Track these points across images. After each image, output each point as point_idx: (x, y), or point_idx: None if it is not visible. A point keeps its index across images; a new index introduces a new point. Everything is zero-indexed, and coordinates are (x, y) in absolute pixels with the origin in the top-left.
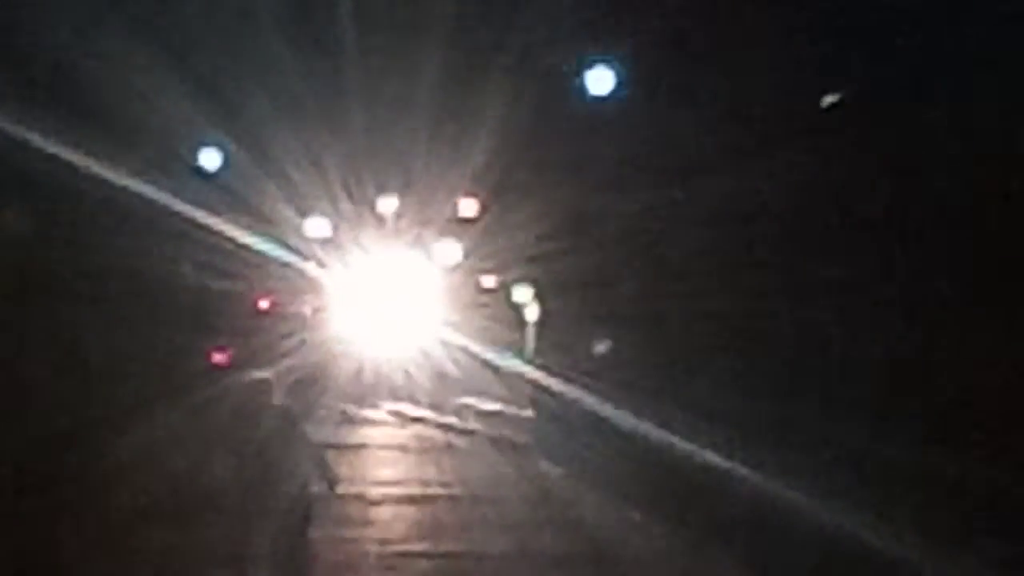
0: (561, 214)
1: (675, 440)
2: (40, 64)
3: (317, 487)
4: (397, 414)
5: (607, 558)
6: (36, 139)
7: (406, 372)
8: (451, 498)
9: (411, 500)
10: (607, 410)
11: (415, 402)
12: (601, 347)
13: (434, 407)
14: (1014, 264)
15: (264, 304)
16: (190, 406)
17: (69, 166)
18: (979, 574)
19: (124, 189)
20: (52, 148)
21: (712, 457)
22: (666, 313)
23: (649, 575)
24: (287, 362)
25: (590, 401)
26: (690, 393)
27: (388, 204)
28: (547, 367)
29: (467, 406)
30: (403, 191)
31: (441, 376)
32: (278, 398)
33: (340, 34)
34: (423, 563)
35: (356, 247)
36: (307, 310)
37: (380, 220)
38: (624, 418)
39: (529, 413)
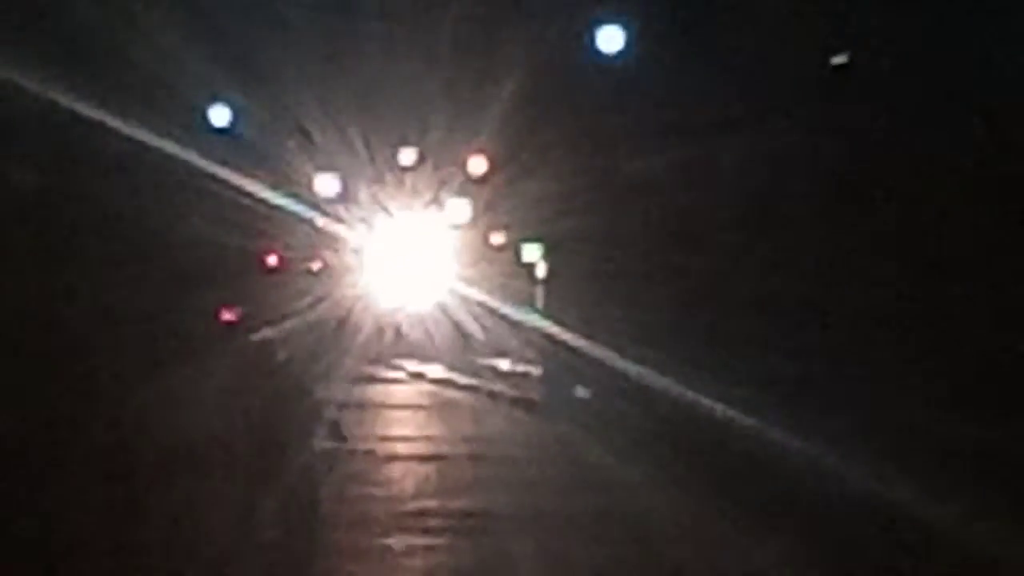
0: (571, 172)
1: (689, 396)
2: (49, 17)
3: (326, 445)
4: (415, 375)
5: (615, 516)
6: (43, 92)
7: (421, 328)
8: (461, 456)
9: (421, 458)
10: (620, 366)
11: (432, 360)
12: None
13: (453, 367)
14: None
15: (272, 261)
16: (197, 365)
17: (76, 120)
18: None
19: (133, 144)
20: (59, 101)
21: (722, 411)
22: (675, 270)
23: (660, 532)
24: (295, 321)
25: (602, 357)
26: (702, 349)
27: (407, 156)
28: (562, 322)
29: (487, 366)
30: (420, 147)
31: (457, 332)
32: (286, 357)
33: None
34: (432, 521)
35: (370, 202)
36: (315, 267)
37: (398, 175)
38: (639, 374)
39: (538, 371)
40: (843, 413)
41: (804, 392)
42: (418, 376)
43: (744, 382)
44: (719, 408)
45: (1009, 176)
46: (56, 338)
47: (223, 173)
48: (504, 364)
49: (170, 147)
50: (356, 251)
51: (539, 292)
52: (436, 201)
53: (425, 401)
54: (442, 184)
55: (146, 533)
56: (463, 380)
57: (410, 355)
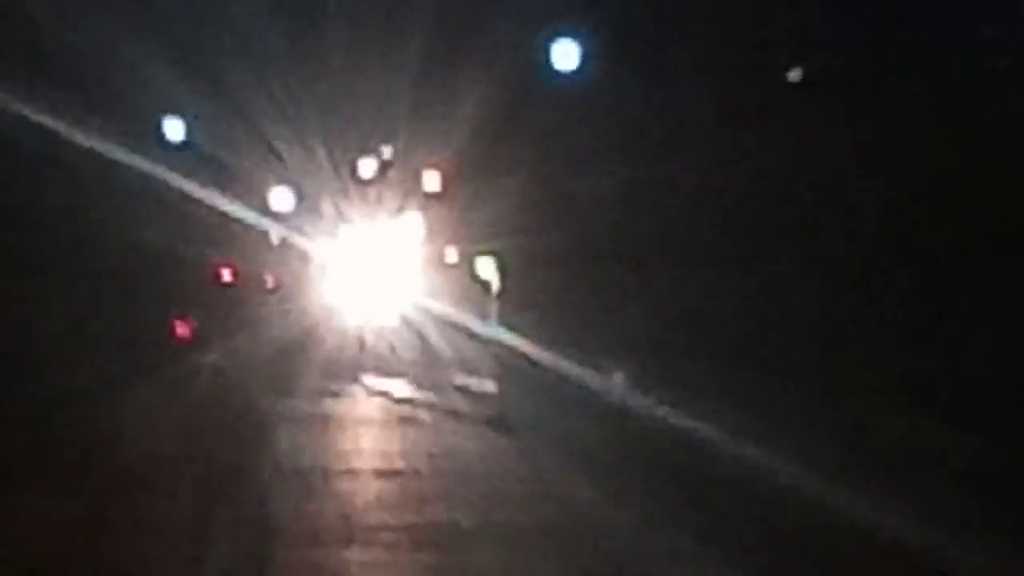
0: (525, 188)
1: (651, 410)
2: (4, 26)
3: (280, 461)
4: (377, 392)
5: (570, 530)
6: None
7: (383, 342)
8: (414, 472)
9: (374, 473)
10: (580, 380)
11: (393, 375)
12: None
13: (418, 384)
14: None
15: (227, 275)
16: (152, 381)
17: (29, 130)
18: None
19: (88, 156)
20: (12, 114)
21: (684, 423)
22: (630, 285)
23: (622, 546)
24: (250, 336)
25: (561, 370)
26: (661, 362)
27: (367, 168)
28: (520, 335)
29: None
30: (379, 159)
31: (417, 346)
32: (237, 373)
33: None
34: (384, 535)
35: (329, 215)
36: (271, 282)
37: (358, 187)
38: (601, 388)
39: (494, 386)
40: (824, 430)
41: (761, 404)
42: (382, 394)
43: (698, 393)
44: (676, 420)
45: (978, 182)
46: (10, 350)
47: (178, 186)
48: (464, 379)
49: (125, 159)
50: (314, 265)
51: (494, 306)
52: (395, 214)
53: (382, 416)
54: (401, 197)
55: (98, 551)
56: (424, 396)
57: (374, 369)
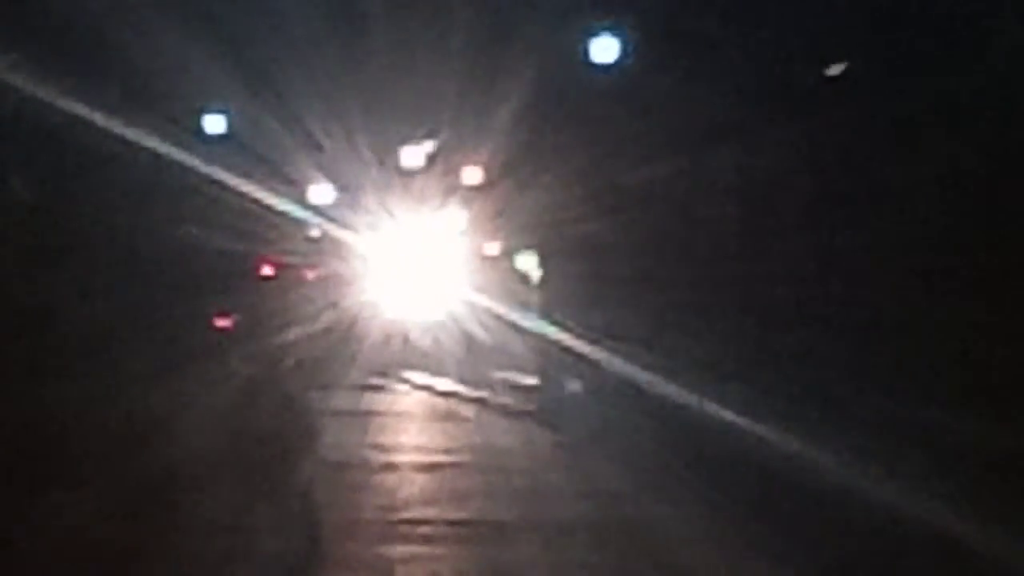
0: (565, 182)
1: (689, 402)
2: (49, 21)
3: (318, 456)
4: (418, 386)
5: (611, 525)
6: (40, 96)
7: (418, 339)
8: (456, 465)
9: (417, 467)
10: (622, 372)
11: (434, 368)
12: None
13: (457, 375)
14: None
15: (267, 269)
16: (192, 375)
17: (73, 124)
18: None
19: (129, 150)
20: (57, 106)
21: (721, 415)
22: (671, 279)
23: (663, 540)
24: (293, 330)
25: (605, 363)
26: (699, 355)
27: (411, 158)
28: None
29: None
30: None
31: (458, 339)
32: (282, 368)
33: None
34: (425, 529)
35: (371, 209)
36: (312, 275)
37: (401, 179)
38: (646, 380)
39: (532, 380)
40: (854, 419)
41: (811, 398)
42: (423, 388)
43: (745, 387)
44: (720, 413)
45: (1007, 185)
46: (54, 345)
47: (219, 180)
48: (505, 372)
49: (166, 153)
50: (355, 258)
51: (534, 299)
52: (437, 208)
53: (422, 410)
54: (443, 191)
55: (143, 543)
56: (465, 390)
57: (415, 363)
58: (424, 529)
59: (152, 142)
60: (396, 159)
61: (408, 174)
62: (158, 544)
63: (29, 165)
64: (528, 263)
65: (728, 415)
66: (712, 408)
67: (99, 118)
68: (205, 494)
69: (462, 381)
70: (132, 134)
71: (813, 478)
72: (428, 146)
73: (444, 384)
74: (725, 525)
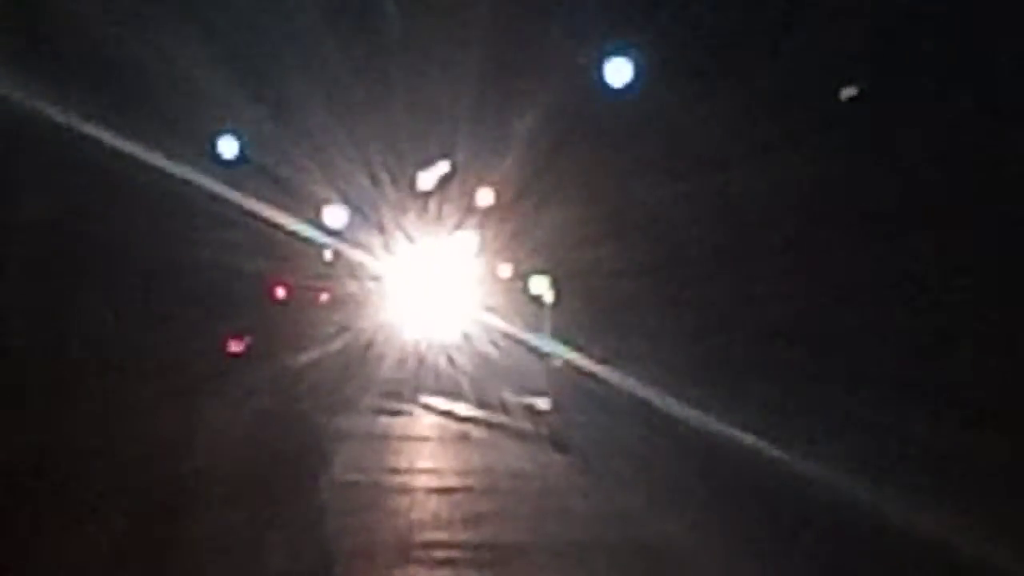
0: (578, 205)
1: (704, 421)
2: (63, 40)
3: (336, 476)
4: (431, 408)
5: (620, 547)
6: (54, 115)
7: (428, 359)
8: (468, 489)
9: (429, 490)
10: (633, 393)
11: (447, 390)
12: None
13: (470, 398)
14: None
15: (281, 292)
16: (205, 397)
17: (87, 146)
18: None
19: (143, 171)
20: (70, 130)
21: (739, 436)
22: (686, 301)
23: (677, 563)
24: (300, 353)
25: (612, 383)
26: (715, 376)
27: (426, 181)
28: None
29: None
30: (437, 172)
31: (470, 361)
32: (290, 390)
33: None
34: (439, 552)
35: (385, 230)
36: (324, 298)
37: (415, 201)
38: (662, 404)
39: (545, 403)
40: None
41: (826, 419)
42: (436, 411)
43: (758, 407)
44: (736, 434)
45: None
46: (65, 365)
47: (233, 203)
48: (517, 394)
49: (180, 175)
50: (368, 280)
51: (547, 321)
52: (450, 230)
53: (436, 433)
54: (457, 212)
55: (149, 569)
56: (478, 412)
57: (428, 386)
58: (438, 553)
59: (165, 163)
60: (411, 181)
61: (423, 195)
62: (166, 567)
63: (41, 183)
64: (541, 285)
65: (745, 437)
66: (728, 429)
67: (113, 137)
68: (217, 516)
69: (473, 402)
70: (145, 155)
71: (826, 494)
72: (443, 167)
73: (454, 406)
74: (733, 543)
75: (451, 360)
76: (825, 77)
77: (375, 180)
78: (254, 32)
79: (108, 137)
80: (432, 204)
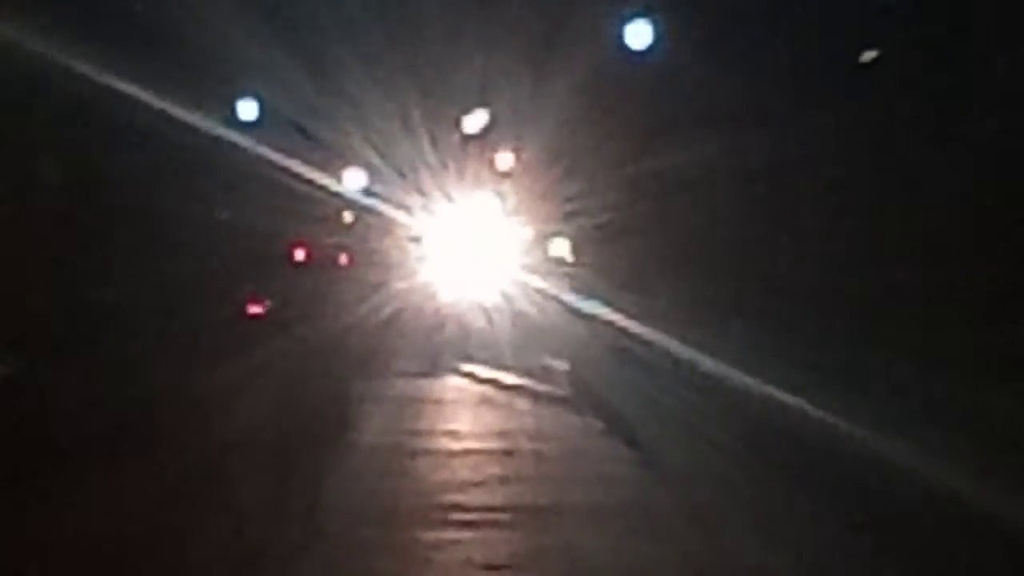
0: (598, 168)
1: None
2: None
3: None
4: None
5: (636, 511)
6: (72, 80)
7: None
8: (490, 451)
9: (450, 453)
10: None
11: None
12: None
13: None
14: None
15: (300, 254)
16: (227, 360)
17: (104, 106)
18: None
19: (163, 132)
20: (86, 87)
21: (761, 392)
22: (710, 263)
23: (689, 527)
24: (318, 317)
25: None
26: (739, 336)
27: (473, 123)
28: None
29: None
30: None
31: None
32: (306, 354)
33: None
34: (458, 515)
35: (404, 193)
36: (344, 260)
37: (442, 160)
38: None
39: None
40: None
41: (847, 377)
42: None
43: (782, 365)
44: (758, 390)
45: None
46: (85, 327)
47: (252, 164)
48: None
49: (201, 136)
50: (387, 243)
51: (567, 282)
52: (471, 193)
53: (453, 395)
54: (477, 176)
55: (174, 532)
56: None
57: (445, 342)
58: (458, 515)
59: (185, 122)
60: (436, 139)
61: (460, 147)
62: (193, 529)
63: (58, 144)
64: (562, 247)
65: (768, 391)
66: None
67: (130, 97)
68: (239, 483)
69: (498, 366)
70: (164, 114)
71: (848, 447)
72: (474, 120)
73: (477, 370)
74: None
75: (468, 322)
76: (846, 41)
77: (395, 142)
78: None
79: (123, 94)
80: (454, 167)
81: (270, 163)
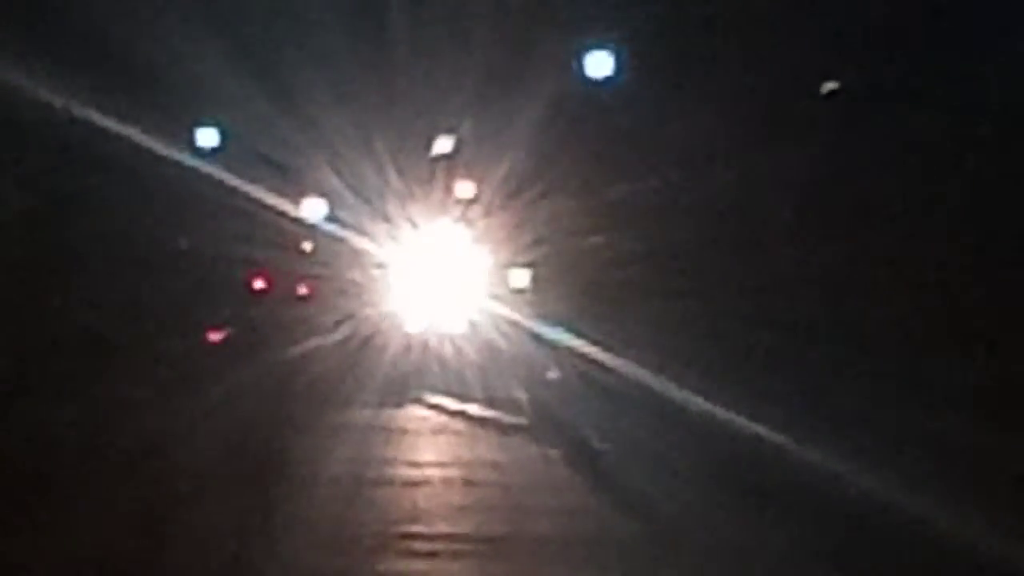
0: (557, 197)
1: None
2: (54, 22)
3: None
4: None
5: (600, 540)
6: (34, 108)
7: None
8: (449, 480)
9: (408, 483)
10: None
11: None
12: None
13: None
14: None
15: (259, 283)
16: (182, 389)
17: (69, 132)
18: None
19: (125, 159)
20: (52, 112)
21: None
22: (665, 292)
23: (653, 555)
24: (276, 345)
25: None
26: (695, 361)
27: (440, 148)
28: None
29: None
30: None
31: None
32: (265, 383)
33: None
34: (418, 544)
35: (365, 222)
36: (303, 289)
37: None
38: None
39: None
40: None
41: (817, 407)
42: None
43: (743, 391)
44: (721, 417)
45: (1005, 196)
46: (45, 353)
47: (212, 193)
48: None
49: (161, 164)
50: (347, 271)
51: (528, 312)
52: (430, 222)
53: (413, 426)
54: (440, 205)
55: (135, 558)
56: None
57: (395, 374)
58: (420, 544)
59: (145, 149)
60: (401, 166)
61: (415, 182)
62: (150, 559)
63: (22, 168)
64: (521, 277)
65: (728, 416)
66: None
67: (91, 124)
68: (205, 503)
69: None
70: (125, 141)
71: (806, 472)
72: (441, 146)
73: (443, 401)
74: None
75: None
76: (806, 71)
77: (355, 170)
78: (246, 14)
79: (87, 120)
80: (417, 194)
81: (231, 191)
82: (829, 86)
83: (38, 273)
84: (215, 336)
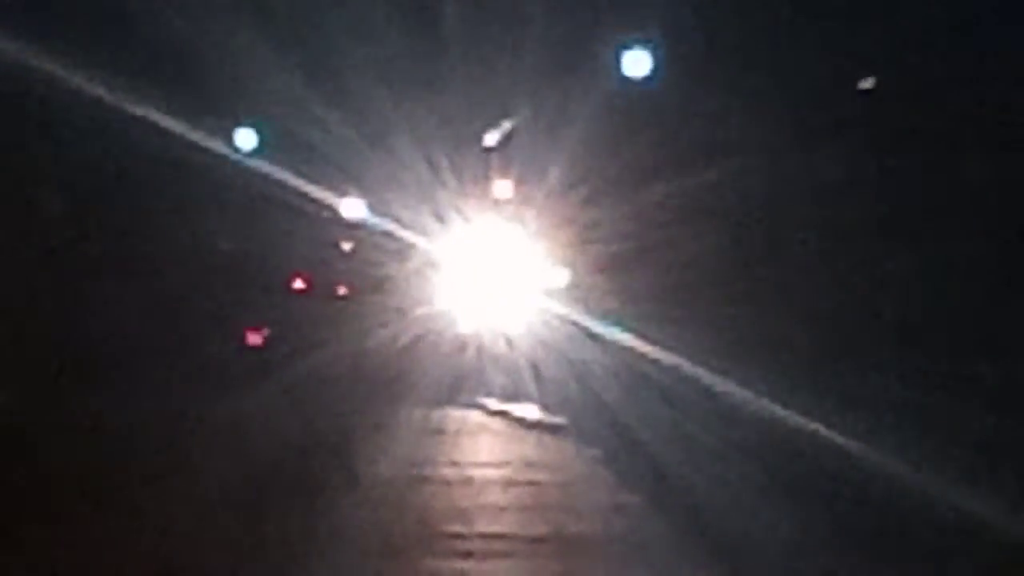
0: (596, 196)
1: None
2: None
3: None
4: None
5: (633, 541)
6: (74, 110)
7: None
8: (491, 481)
9: (450, 482)
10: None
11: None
12: None
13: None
14: None
15: (299, 283)
16: (223, 391)
17: (106, 138)
18: None
19: (164, 163)
20: (90, 120)
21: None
22: (713, 289)
23: (695, 554)
24: (316, 347)
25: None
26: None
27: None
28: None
29: None
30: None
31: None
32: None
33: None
34: (458, 544)
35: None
36: (343, 290)
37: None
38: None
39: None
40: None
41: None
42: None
43: (791, 387)
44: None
45: None
46: (89, 356)
47: (252, 194)
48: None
49: (200, 166)
50: (386, 272)
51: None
52: (471, 222)
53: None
54: (479, 205)
55: (185, 558)
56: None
57: (431, 379)
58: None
59: (188, 149)
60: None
61: (467, 177)
62: (199, 560)
63: (60, 176)
64: (560, 276)
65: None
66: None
67: (132, 126)
68: (245, 509)
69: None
70: (165, 144)
71: (843, 464)
72: (495, 136)
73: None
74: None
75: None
76: (844, 68)
77: (394, 171)
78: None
79: (125, 126)
80: (456, 196)
81: (272, 191)
82: (866, 83)
83: (79, 277)
84: (255, 338)
